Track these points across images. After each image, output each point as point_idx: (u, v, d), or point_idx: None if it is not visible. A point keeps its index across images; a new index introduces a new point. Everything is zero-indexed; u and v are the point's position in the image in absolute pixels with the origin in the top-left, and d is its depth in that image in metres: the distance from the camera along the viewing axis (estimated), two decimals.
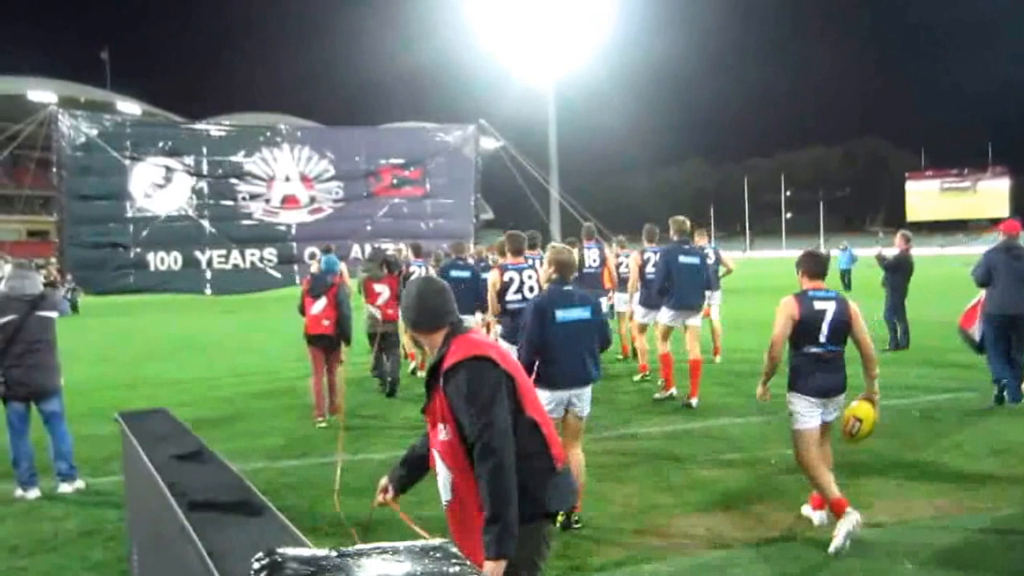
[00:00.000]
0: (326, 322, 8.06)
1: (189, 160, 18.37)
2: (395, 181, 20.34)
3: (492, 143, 24.70)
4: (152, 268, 17.52)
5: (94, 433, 7.30)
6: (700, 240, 11.33)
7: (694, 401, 8.11)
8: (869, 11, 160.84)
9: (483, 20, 45.78)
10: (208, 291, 18.02)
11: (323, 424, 7.84)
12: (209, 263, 17.99)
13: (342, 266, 8.92)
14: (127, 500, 3.65)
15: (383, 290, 9.39)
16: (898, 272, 11.15)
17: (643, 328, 9.59)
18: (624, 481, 5.77)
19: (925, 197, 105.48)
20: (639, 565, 4.24)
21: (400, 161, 20.47)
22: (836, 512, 4.37)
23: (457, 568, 1.28)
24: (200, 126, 19.75)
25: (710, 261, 10.34)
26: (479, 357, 2.55)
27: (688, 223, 8.79)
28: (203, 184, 18.32)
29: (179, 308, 24.26)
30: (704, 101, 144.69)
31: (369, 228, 19.84)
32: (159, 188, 17.85)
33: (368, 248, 18.95)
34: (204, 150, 18.54)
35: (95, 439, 7.09)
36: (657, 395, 8.63)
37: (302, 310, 8.30)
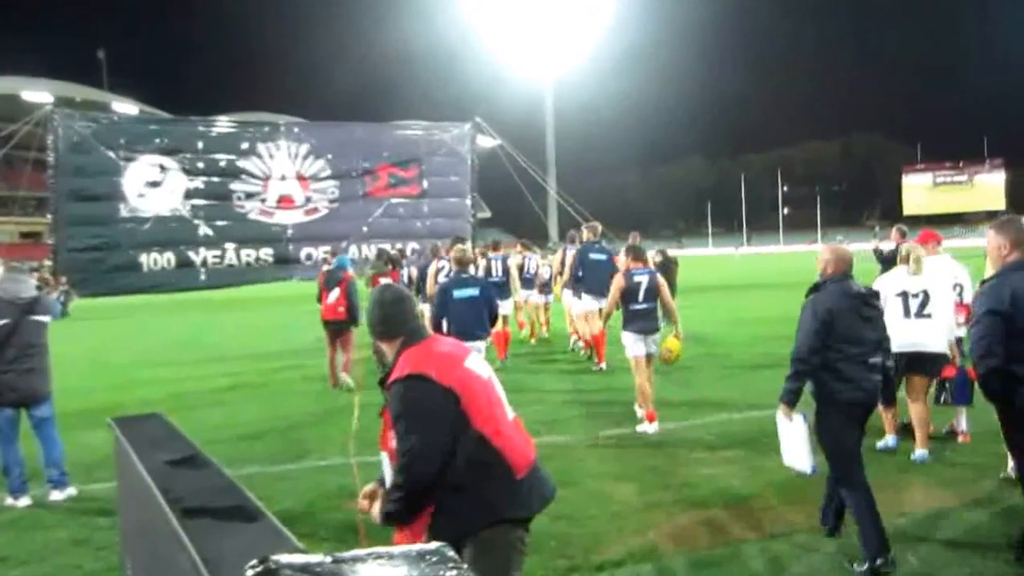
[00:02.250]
0: (340, 309, 9.98)
1: (184, 158, 18.25)
2: (391, 180, 20.22)
3: (489, 141, 24.66)
4: (146, 269, 17.41)
5: (86, 439, 7.24)
6: (633, 242, 12.64)
7: (603, 365, 10.50)
8: (863, 4, 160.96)
9: (480, 18, 45.75)
10: (203, 279, 18.03)
11: (339, 384, 9.80)
12: (204, 263, 17.90)
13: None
14: (120, 507, 3.62)
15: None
16: (894, 266, 11.22)
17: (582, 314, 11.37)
18: (622, 480, 5.76)
19: (921, 191, 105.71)
20: (639, 564, 4.22)
21: (397, 160, 20.36)
22: (648, 420, 7.16)
23: (454, 572, 1.26)
24: (196, 121, 19.60)
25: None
26: (415, 376, 2.59)
27: (599, 228, 11.49)
28: (198, 183, 18.20)
29: (173, 310, 24.24)
30: (701, 98, 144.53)
31: (366, 229, 19.71)
32: (153, 187, 17.74)
33: (365, 248, 18.94)
34: (200, 147, 18.40)
35: (87, 445, 7.03)
36: (580, 350, 11.48)
37: (319, 299, 10.27)
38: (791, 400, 4.27)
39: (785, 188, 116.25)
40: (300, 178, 19.04)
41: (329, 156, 19.26)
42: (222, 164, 18.41)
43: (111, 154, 17.55)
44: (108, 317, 22.90)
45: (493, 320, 7.41)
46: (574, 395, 9.18)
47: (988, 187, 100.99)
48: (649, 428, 7.12)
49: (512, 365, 11.14)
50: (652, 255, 23.79)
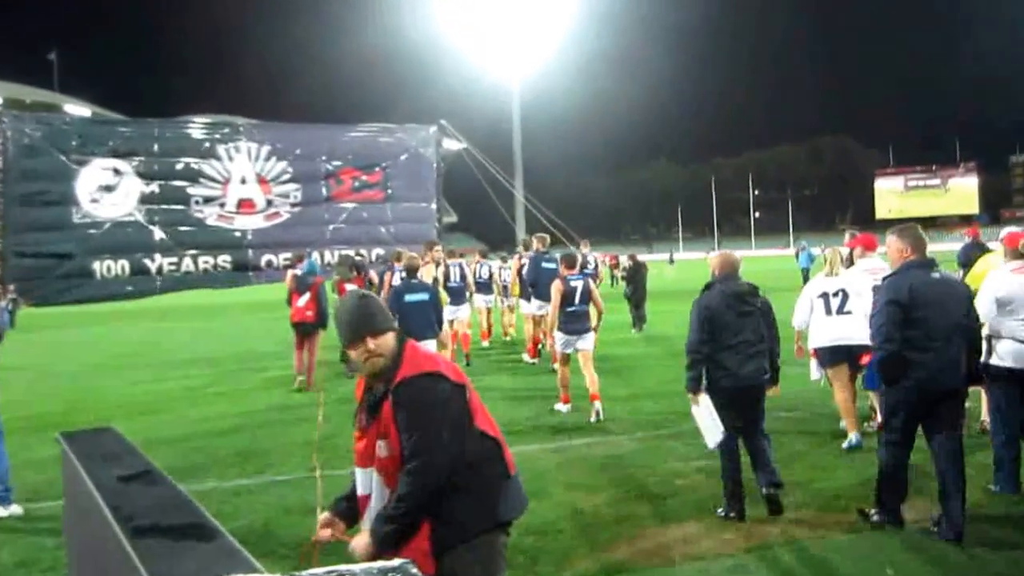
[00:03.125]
0: (309, 312, 10.75)
1: (139, 161, 17.93)
2: (355, 184, 20.08)
3: (455, 144, 24.64)
4: (98, 277, 17.05)
5: (33, 454, 7.09)
6: (584, 249, 15.86)
7: (534, 361, 12.17)
8: (833, 7, 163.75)
9: (446, 18, 45.77)
10: (158, 287, 17.77)
11: (299, 385, 10.48)
12: (159, 271, 17.59)
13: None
14: (67, 527, 3.54)
15: (353, 289, 11.35)
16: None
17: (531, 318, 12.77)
18: (595, 490, 5.76)
19: (893, 195, 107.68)
20: None
21: (361, 163, 20.25)
22: (564, 401, 8.55)
23: None
24: (152, 123, 19.32)
25: (589, 268, 14.63)
26: (432, 375, 2.53)
27: (548, 239, 12.64)
28: (154, 187, 17.90)
29: (126, 319, 23.86)
30: (670, 101, 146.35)
31: (328, 235, 19.58)
32: (107, 192, 17.40)
33: (328, 255, 18.79)
34: (155, 149, 18.09)
35: (34, 461, 6.89)
36: (526, 359, 12.38)
37: (288, 302, 11.08)
38: (693, 387, 5.14)
39: (756, 192, 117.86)
40: (261, 181, 18.78)
41: (291, 158, 19.06)
42: (179, 167, 18.12)
43: (63, 157, 17.19)
44: (57, 326, 22.46)
45: (439, 322, 8.56)
46: (538, 401, 9.22)
47: (962, 191, 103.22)
48: (562, 408, 8.53)
49: (470, 368, 11.35)
50: (623, 260, 23.92)
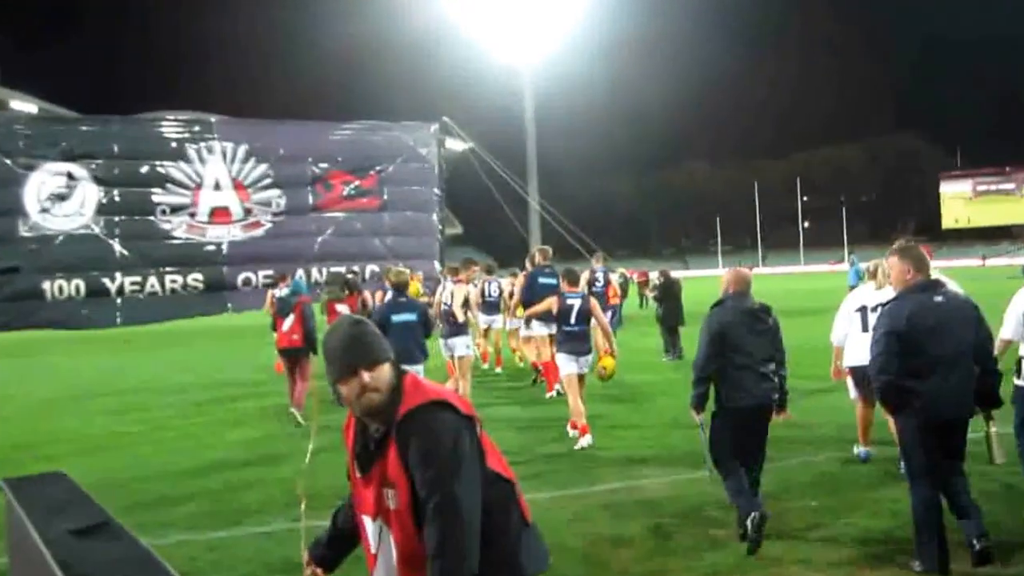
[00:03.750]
0: (295, 336, 11.02)
1: (96, 164, 18.00)
2: (347, 190, 20.14)
3: (459, 145, 24.75)
4: (49, 298, 17.11)
5: None
6: (596, 264, 15.99)
7: (553, 393, 11.95)
8: None
9: (448, 4, 45.99)
10: (119, 321, 17.72)
11: (297, 416, 10.71)
12: (120, 291, 17.63)
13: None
14: None
15: (344, 310, 12.08)
16: None
17: (528, 340, 13.45)
18: (622, 543, 5.71)
19: (961, 201, 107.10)
20: None
21: (353, 166, 20.31)
22: (581, 433, 8.79)
23: None
24: (111, 120, 19.37)
25: (599, 284, 15.25)
26: (441, 404, 2.47)
27: (550, 250, 13.14)
28: (113, 195, 17.98)
29: (84, 347, 23.94)
30: (707, 93, 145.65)
31: (316, 248, 19.60)
32: (59, 201, 17.50)
33: (316, 272, 18.83)
34: (115, 150, 18.16)
35: None
36: (548, 394, 12.15)
37: (273, 327, 11.45)
38: (696, 404, 5.85)
39: (805, 198, 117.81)
40: (238, 186, 18.86)
41: (272, 160, 19.13)
42: (143, 171, 18.21)
43: (8, 161, 17.33)
44: (4, 356, 22.55)
45: (428, 336, 9.28)
46: (554, 438, 9.32)
47: None
48: (584, 441, 8.74)
49: (473, 399, 11.30)
50: (653, 277, 23.96)
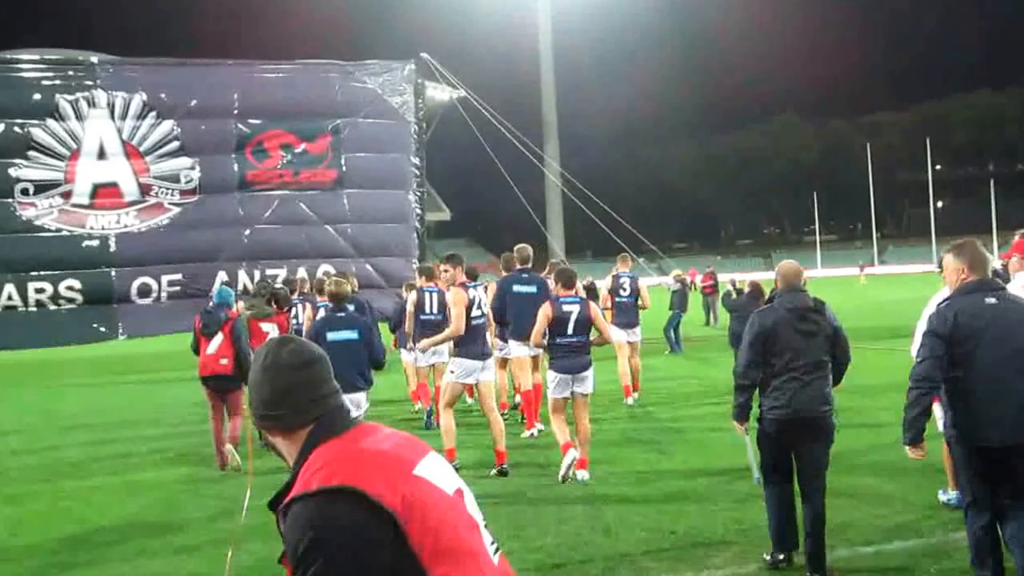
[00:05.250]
0: (224, 360, 11.59)
1: None
2: (287, 158, 19.87)
3: (444, 92, 24.57)
4: None
5: None
6: (622, 267, 17.29)
7: (534, 431, 13.28)
8: None
9: None
10: None
11: (222, 463, 11.46)
12: None
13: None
14: None
15: (272, 330, 12.70)
16: None
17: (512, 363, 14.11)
18: None
19: None
20: None
21: (297, 123, 20.04)
22: (563, 451, 10.15)
23: None
24: None
25: (624, 293, 16.83)
26: (333, 491, 2.53)
27: (529, 250, 13.47)
28: None
29: None
30: (789, 25, 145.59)
31: (246, 241, 19.34)
32: None
33: (244, 275, 18.60)
34: None
35: None
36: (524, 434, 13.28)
37: (195, 350, 11.98)
38: (737, 415, 7.13)
39: (938, 167, 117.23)
40: (131, 153, 18.69)
41: (181, 115, 18.94)
42: None
43: None
44: None
45: (376, 366, 10.18)
46: (582, 497, 9.63)
47: None
48: (568, 458, 10.16)
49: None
50: (726, 284, 23.81)
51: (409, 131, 21.02)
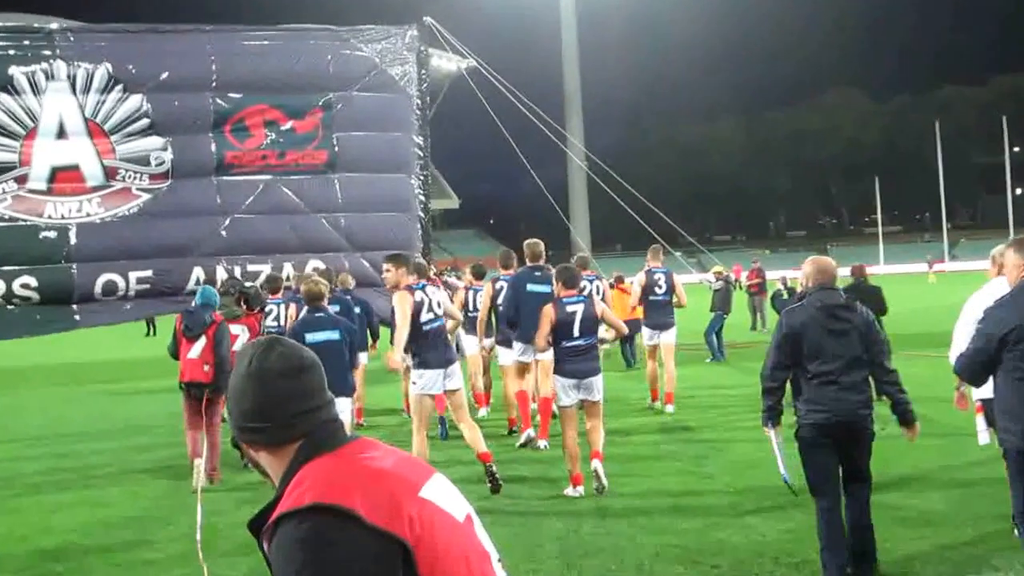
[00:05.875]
0: (207, 367, 12.07)
1: None
2: (272, 137, 19.85)
3: (451, 62, 24.63)
4: None
5: None
6: (654, 262, 17.48)
7: (542, 443, 13.61)
8: None
9: None
10: None
11: (197, 479, 11.32)
12: None
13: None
14: None
15: (241, 333, 13.28)
16: None
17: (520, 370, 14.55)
18: None
19: None
20: None
21: (282, 98, 20.03)
22: (572, 483, 10.85)
23: None
24: None
25: (660, 291, 17.02)
26: (324, 510, 2.51)
27: (541, 246, 14.06)
28: None
29: None
30: None
31: (224, 233, 19.33)
32: None
33: (223, 270, 18.59)
34: None
35: None
36: (520, 442, 13.92)
37: (175, 354, 12.48)
38: (766, 419, 7.62)
39: (1016, 148, 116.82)
40: (95, 132, 18.70)
41: (151, 88, 18.96)
42: None
43: None
44: None
45: (354, 366, 11.27)
46: (610, 522, 9.77)
47: None
48: (573, 492, 10.82)
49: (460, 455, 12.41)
50: (776, 283, 23.73)
51: (411, 106, 20.99)
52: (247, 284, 15.33)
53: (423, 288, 11.36)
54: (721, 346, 24.91)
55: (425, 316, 11.13)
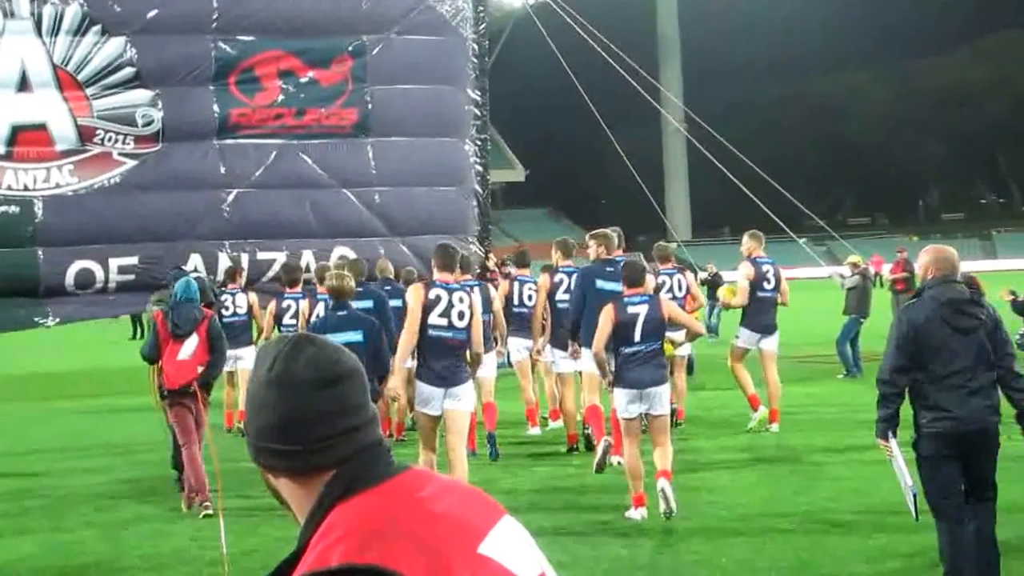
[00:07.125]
0: (201, 368, 12.59)
1: None
2: (289, 90, 19.85)
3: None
4: None
5: None
6: (759, 250, 17.90)
7: (615, 459, 14.00)
8: None
9: None
10: None
11: (209, 512, 12.00)
12: None
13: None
14: None
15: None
16: None
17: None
18: None
19: None
20: None
21: (301, 43, 20.02)
22: (635, 504, 11.75)
23: None
24: None
25: (769, 286, 17.42)
26: (358, 572, 2.44)
27: (615, 237, 14.93)
28: None
29: None
30: None
31: (227, 212, 19.33)
32: None
33: (225, 257, 18.59)
34: None
35: None
36: (597, 459, 14.28)
37: (155, 358, 12.81)
38: (882, 430, 8.14)
39: None
40: (66, 83, 18.81)
41: (136, 29, 19.04)
42: None
43: None
44: None
45: (380, 375, 11.46)
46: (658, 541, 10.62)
47: None
48: (635, 514, 11.72)
49: (505, 471, 13.63)
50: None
51: (466, 53, 20.89)
52: (200, 276, 15.51)
53: (450, 287, 11.64)
54: (857, 358, 24.52)
55: (435, 320, 11.45)
